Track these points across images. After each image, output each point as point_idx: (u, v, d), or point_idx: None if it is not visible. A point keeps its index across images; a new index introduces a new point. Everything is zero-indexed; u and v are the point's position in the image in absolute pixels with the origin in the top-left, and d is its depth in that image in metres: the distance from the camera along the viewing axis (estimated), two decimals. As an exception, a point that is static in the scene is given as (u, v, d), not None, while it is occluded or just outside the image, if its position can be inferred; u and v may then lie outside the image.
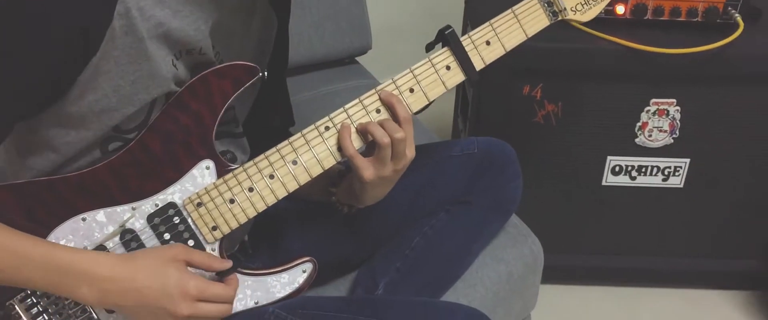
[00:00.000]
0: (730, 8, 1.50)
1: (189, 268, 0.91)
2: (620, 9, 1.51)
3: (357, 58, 1.90)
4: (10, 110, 0.83)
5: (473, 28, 1.41)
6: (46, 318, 0.91)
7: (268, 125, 1.12)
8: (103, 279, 0.85)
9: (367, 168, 0.95)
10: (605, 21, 1.52)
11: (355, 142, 0.96)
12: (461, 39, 1.01)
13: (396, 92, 0.97)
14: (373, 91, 0.97)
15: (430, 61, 0.99)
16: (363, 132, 0.96)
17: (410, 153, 0.97)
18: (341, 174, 1.08)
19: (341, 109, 0.96)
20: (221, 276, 0.94)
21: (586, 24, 1.55)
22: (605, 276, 1.85)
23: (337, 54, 1.80)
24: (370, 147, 0.96)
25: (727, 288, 1.85)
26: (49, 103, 0.85)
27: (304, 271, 1.00)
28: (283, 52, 1.14)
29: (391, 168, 0.96)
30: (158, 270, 0.88)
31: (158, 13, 0.86)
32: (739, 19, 1.49)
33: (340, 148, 0.96)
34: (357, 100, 0.96)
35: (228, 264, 0.94)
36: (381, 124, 0.95)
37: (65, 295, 0.88)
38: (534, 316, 1.48)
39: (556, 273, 1.70)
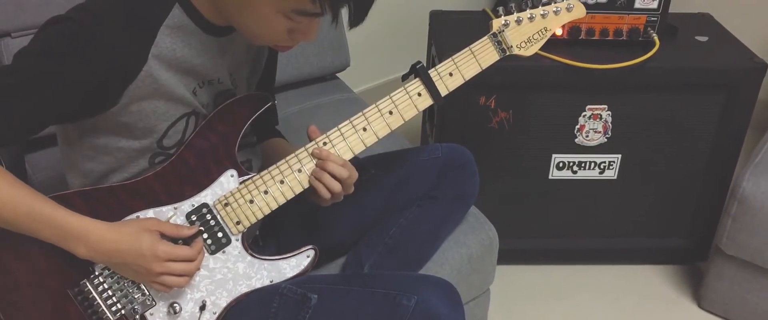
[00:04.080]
0: (649, 28, 1.67)
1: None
2: (558, 31, 1.64)
3: (337, 74, 1.99)
4: (47, 114, 0.98)
5: (436, 45, 1.56)
6: (111, 293, 1.08)
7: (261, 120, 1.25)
8: (95, 242, 1.01)
9: (325, 203, 1.14)
10: (547, 41, 1.65)
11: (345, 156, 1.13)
12: (429, 71, 1.13)
13: (378, 114, 1.12)
14: (335, 129, 1.12)
15: (405, 89, 1.12)
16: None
17: (347, 190, 1.13)
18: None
19: (325, 135, 1.12)
20: (189, 241, 1.07)
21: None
22: (553, 256, 1.96)
23: (319, 72, 1.90)
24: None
25: (657, 263, 1.97)
26: (90, 114, 1.01)
27: (308, 256, 1.16)
28: (272, 71, 1.30)
29: (341, 197, 1.15)
30: (136, 237, 1.02)
31: (185, 53, 1.03)
32: (655, 38, 1.67)
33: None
34: (336, 128, 1.12)
35: (194, 229, 1.08)
36: (326, 182, 1.10)
37: (67, 249, 1.01)
38: (492, 290, 1.60)
39: (510, 254, 1.79)
